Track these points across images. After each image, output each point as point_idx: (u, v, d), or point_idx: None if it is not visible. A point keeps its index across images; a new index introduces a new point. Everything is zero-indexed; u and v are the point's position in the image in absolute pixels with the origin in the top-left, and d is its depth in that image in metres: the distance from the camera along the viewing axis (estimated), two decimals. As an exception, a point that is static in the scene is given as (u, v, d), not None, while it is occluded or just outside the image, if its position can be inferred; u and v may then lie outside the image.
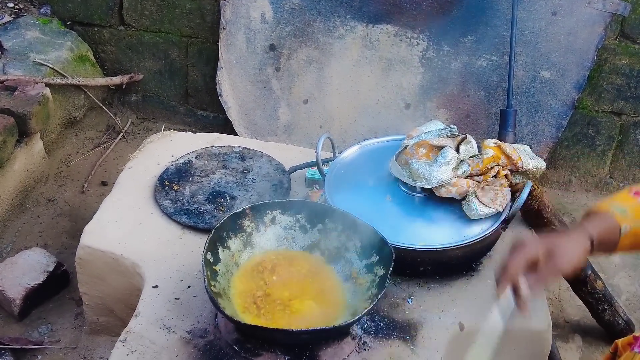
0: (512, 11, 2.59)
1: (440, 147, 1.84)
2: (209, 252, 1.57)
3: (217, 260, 1.61)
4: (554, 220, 2.04)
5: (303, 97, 2.96)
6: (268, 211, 1.73)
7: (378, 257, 1.64)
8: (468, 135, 1.89)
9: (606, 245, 1.38)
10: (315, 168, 2.05)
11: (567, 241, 1.34)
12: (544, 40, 2.75)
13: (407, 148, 1.88)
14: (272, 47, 2.93)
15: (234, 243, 1.68)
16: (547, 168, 3.08)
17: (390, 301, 1.76)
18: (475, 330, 1.72)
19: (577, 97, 2.80)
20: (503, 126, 2.57)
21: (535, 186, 1.97)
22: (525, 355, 1.79)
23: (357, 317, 1.43)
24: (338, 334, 1.56)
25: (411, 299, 1.78)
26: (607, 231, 1.37)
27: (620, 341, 1.51)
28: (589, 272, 2.17)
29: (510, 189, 1.85)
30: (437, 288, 1.82)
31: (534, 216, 2.02)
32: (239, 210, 1.69)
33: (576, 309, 2.50)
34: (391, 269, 1.54)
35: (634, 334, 1.46)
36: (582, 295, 2.24)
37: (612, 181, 3.11)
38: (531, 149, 2.00)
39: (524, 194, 1.77)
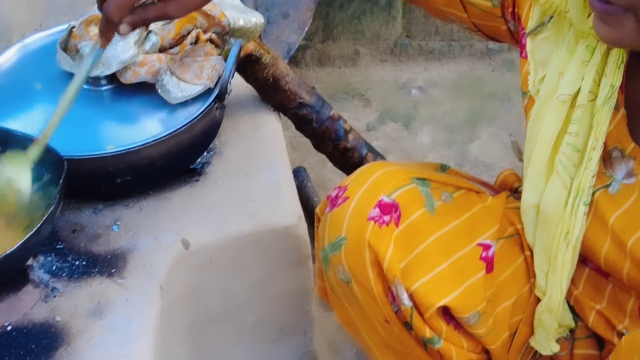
0: None
1: (116, 20, 1.99)
2: None
3: None
4: (300, 91, 2.28)
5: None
6: None
7: (51, 175, 1.77)
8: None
9: None
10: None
11: None
12: None
13: (75, 30, 2.02)
14: None
15: None
16: (323, 40, 3.35)
17: (89, 234, 1.93)
18: (207, 243, 1.95)
19: None
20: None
21: (263, 51, 2.19)
22: (280, 258, 2.05)
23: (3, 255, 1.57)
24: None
25: (117, 225, 1.95)
26: None
27: (317, 210, 1.79)
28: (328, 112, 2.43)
29: (222, 56, 2.05)
30: (151, 205, 2.01)
31: (272, 90, 2.25)
32: None
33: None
34: (62, 181, 1.69)
35: (329, 194, 1.73)
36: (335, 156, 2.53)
37: (410, 41, 3.46)
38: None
39: (231, 57, 1.97)
